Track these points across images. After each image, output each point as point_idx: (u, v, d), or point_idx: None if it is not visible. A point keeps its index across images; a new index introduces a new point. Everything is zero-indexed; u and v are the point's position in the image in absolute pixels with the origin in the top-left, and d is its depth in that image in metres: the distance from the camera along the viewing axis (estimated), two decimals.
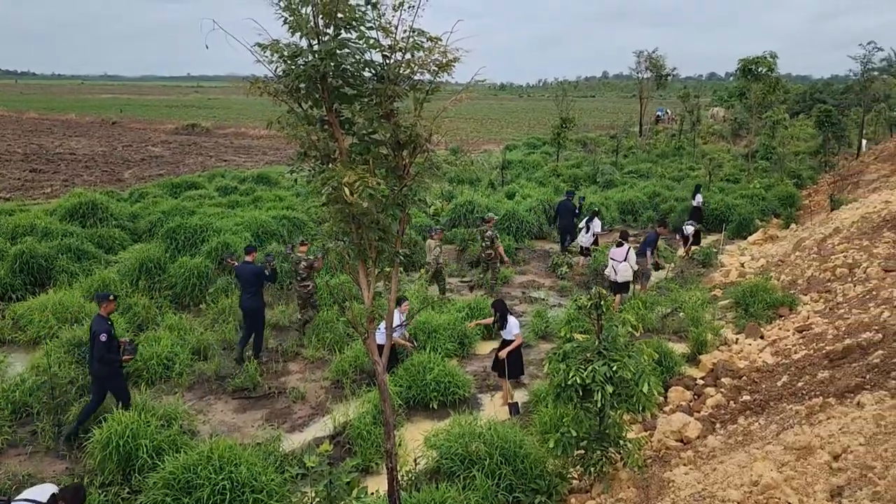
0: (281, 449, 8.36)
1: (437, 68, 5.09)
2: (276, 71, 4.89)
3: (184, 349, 10.74)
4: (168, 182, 25.33)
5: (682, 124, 48.31)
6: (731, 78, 43.38)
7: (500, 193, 24.34)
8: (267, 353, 11.46)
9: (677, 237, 19.67)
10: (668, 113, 68.52)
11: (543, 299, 14.84)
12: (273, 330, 12.43)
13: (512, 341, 9.80)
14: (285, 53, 4.74)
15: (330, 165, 5.14)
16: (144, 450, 7.46)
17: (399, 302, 10.68)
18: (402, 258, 5.49)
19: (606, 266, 13.87)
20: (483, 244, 14.79)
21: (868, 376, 7.27)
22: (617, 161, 34.84)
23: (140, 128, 60.07)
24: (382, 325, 10.45)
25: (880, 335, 8.56)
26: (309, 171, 5.24)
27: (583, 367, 6.71)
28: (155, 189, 23.95)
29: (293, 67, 4.74)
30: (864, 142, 37.80)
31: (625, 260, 13.36)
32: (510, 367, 9.76)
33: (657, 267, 15.18)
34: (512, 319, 9.89)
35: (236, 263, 11.42)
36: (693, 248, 18.57)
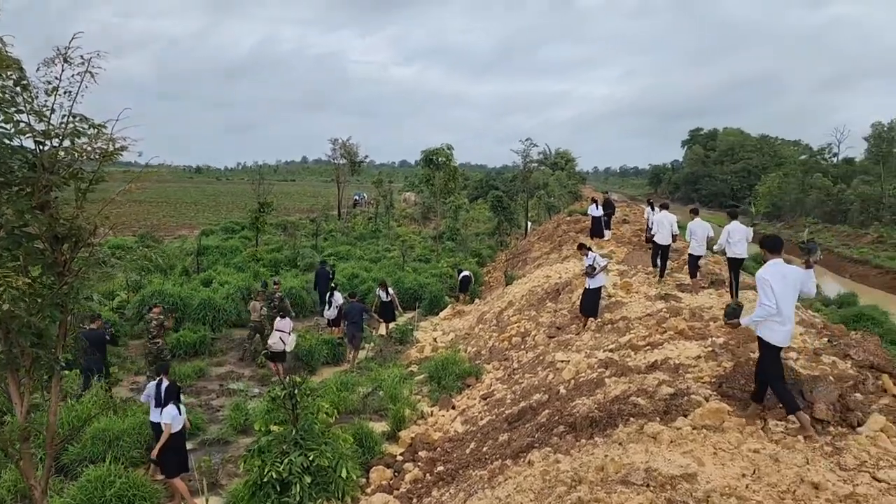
0: None
1: (101, 157, 4.74)
2: None
3: None
4: None
5: (378, 208, 51.26)
6: (418, 166, 47.43)
7: (195, 281, 23.15)
8: None
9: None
10: (364, 197, 72.23)
11: (243, 390, 14.23)
12: None
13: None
14: None
15: None
16: None
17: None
18: (62, 365, 4.86)
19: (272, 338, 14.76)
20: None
21: (537, 435, 8.12)
22: (317, 244, 35.45)
23: None
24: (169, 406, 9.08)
25: (547, 396, 9.69)
26: None
27: (279, 459, 6.53)
28: None
29: None
30: (529, 223, 43.50)
31: (291, 331, 14.78)
32: (165, 464, 8.88)
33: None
34: (168, 408, 8.92)
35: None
36: (391, 325, 19.45)
